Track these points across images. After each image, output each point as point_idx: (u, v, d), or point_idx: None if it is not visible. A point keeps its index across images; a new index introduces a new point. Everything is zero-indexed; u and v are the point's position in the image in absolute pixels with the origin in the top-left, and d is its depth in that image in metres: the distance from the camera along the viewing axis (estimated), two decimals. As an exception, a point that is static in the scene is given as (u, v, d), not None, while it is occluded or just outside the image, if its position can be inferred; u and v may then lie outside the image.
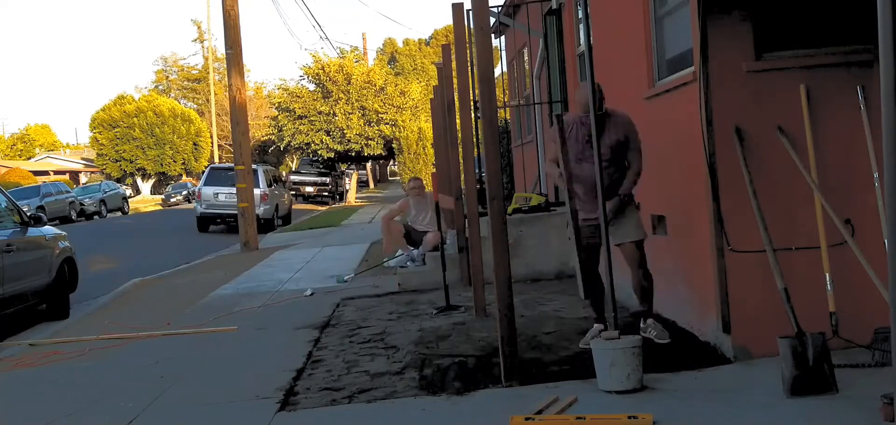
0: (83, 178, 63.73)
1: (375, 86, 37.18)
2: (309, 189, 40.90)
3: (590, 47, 5.68)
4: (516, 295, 5.95)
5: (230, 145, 39.80)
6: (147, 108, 57.67)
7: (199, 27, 64.09)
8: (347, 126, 36.35)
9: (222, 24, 17.88)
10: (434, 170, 11.33)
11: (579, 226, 5.89)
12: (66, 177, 58.84)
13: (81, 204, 39.42)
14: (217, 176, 24.65)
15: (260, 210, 22.49)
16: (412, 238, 11.93)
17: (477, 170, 10.60)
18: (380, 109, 36.70)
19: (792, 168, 5.31)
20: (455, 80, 8.55)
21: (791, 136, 5.34)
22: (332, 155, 37.83)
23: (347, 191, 40.57)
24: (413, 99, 37.91)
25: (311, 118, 36.91)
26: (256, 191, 21.63)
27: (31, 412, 5.86)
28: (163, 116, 57.48)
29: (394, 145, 37.16)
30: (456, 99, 8.58)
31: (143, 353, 7.53)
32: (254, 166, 21.49)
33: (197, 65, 67.71)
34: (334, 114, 36.59)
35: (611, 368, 4.94)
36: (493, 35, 10.89)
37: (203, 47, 64.01)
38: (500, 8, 14.49)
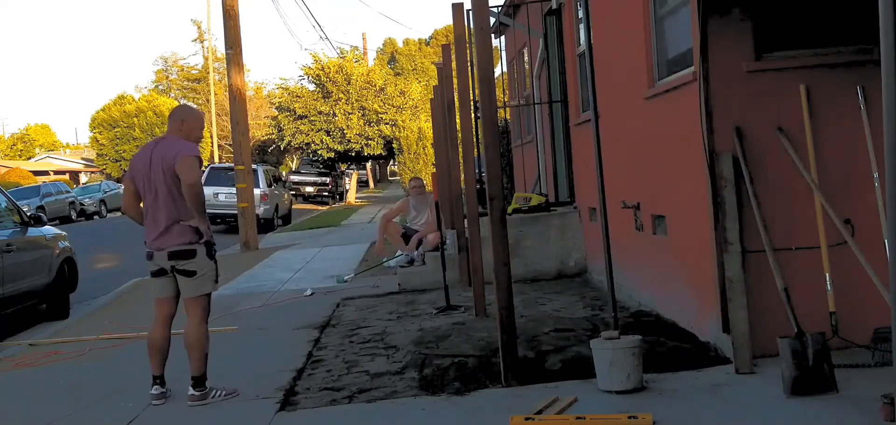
0: (83, 178, 63.74)
1: (375, 86, 37.16)
2: (309, 189, 40.90)
3: (590, 47, 5.69)
4: (516, 295, 5.95)
5: (230, 145, 39.81)
6: (147, 108, 57.68)
7: (199, 27, 64.06)
8: (347, 126, 36.34)
9: (222, 23, 17.87)
10: (434, 170, 11.32)
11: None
12: (66, 177, 58.88)
13: (81, 204, 39.42)
14: (217, 176, 24.64)
15: (260, 210, 22.48)
16: (410, 238, 11.91)
17: (477, 170, 10.60)
18: (380, 109, 36.69)
19: (792, 168, 5.31)
20: (455, 80, 8.56)
21: (791, 136, 5.34)
22: (332, 155, 37.82)
23: (347, 191, 40.57)
24: (413, 99, 37.90)
25: (312, 118, 36.89)
26: (256, 191, 21.63)
27: (31, 412, 5.86)
28: (163, 116, 57.41)
29: (394, 145, 37.16)
30: (456, 99, 8.58)
31: (143, 353, 7.50)
32: (254, 166, 21.48)
33: (197, 65, 67.69)
34: (334, 114, 36.58)
35: (611, 368, 4.94)
36: (493, 35, 10.89)
37: (203, 47, 63.99)
38: (500, 8, 14.48)
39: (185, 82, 68.74)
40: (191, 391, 5.63)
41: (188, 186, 5.47)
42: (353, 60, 40.95)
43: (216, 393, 5.68)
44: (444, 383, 5.50)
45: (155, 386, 5.75)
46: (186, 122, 5.81)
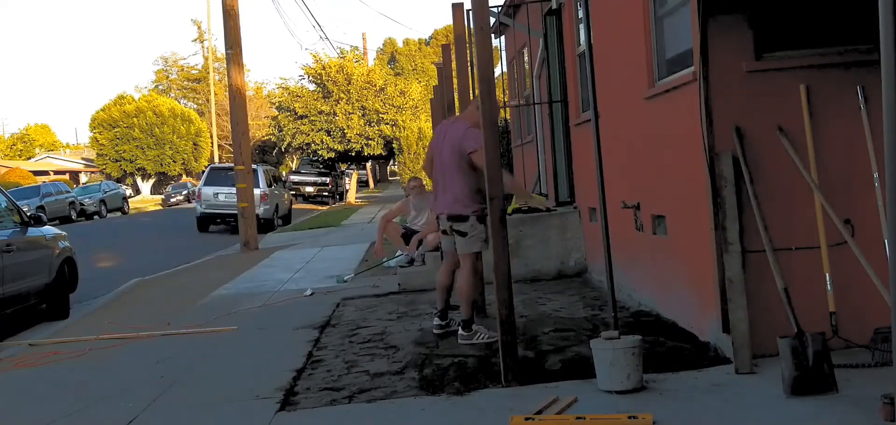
0: (83, 178, 63.74)
1: (375, 86, 37.17)
2: (309, 189, 40.91)
3: (590, 47, 5.68)
4: (516, 295, 5.95)
5: (230, 145, 39.83)
6: (147, 108, 57.70)
7: (199, 27, 64.17)
8: (348, 126, 36.35)
9: (222, 23, 17.88)
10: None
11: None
12: (66, 177, 58.86)
13: (81, 204, 39.43)
14: (217, 176, 24.65)
15: (260, 210, 22.48)
16: (410, 238, 11.90)
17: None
18: (380, 109, 36.70)
19: (792, 168, 5.31)
20: (455, 80, 8.56)
21: (791, 136, 5.34)
22: (332, 155, 37.83)
23: (347, 190, 40.56)
24: (413, 99, 37.89)
25: (312, 118, 36.90)
26: (256, 191, 21.63)
27: (31, 412, 5.86)
28: (163, 116, 57.51)
29: (394, 145, 37.16)
30: (456, 99, 8.58)
31: (143, 353, 7.53)
32: (254, 166, 21.49)
33: (197, 65, 67.77)
34: (334, 114, 36.58)
35: (611, 368, 4.94)
36: (493, 35, 10.89)
37: (203, 47, 64.07)
38: (500, 8, 14.48)
39: (185, 82, 68.79)
40: (460, 331, 6.65)
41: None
42: (354, 60, 40.94)
43: (480, 335, 6.51)
44: (444, 383, 5.50)
45: (436, 318, 7.00)
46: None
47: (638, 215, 7.44)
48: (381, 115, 36.69)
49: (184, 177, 58.32)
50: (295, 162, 51.65)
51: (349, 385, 5.70)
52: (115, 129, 57.29)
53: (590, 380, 5.15)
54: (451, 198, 6.61)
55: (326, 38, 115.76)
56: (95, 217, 39.77)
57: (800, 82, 5.34)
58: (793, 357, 4.63)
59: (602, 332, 5.37)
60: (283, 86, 41.14)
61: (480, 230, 6.51)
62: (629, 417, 4.40)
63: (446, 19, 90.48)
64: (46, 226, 11.23)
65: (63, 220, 33.63)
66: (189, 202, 43.93)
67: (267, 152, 49.59)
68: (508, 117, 18.22)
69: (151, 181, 60.64)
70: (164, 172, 58.62)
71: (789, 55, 5.41)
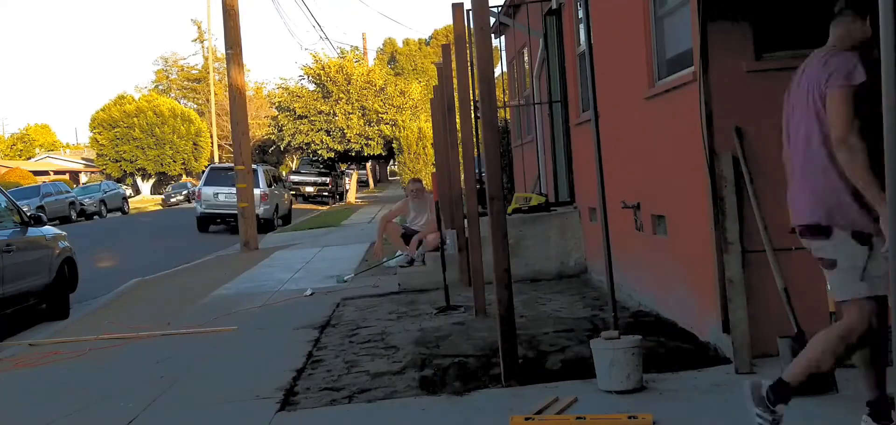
0: (83, 178, 63.75)
1: (375, 86, 37.18)
2: (309, 189, 40.92)
3: (590, 47, 5.68)
4: (516, 295, 5.95)
5: (230, 145, 39.83)
6: (147, 108, 57.73)
7: (199, 27, 64.18)
8: (347, 126, 36.36)
9: (222, 23, 17.88)
10: (434, 170, 11.32)
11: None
12: (66, 177, 58.87)
13: (81, 204, 39.43)
14: (217, 176, 24.67)
15: (260, 210, 22.49)
16: (410, 238, 11.91)
17: (477, 170, 10.59)
18: (380, 109, 36.71)
19: (792, 168, 5.30)
20: (455, 80, 8.55)
21: (791, 136, 5.33)
22: (332, 155, 37.84)
23: (347, 190, 40.57)
24: (413, 99, 37.90)
25: (312, 118, 36.91)
26: (256, 191, 21.64)
27: (31, 412, 5.86)
28: (163, 116, 57.54)
29: (394, 145, 37.16)
30: (456, 99, 8.58)
31: (143, 353, 7.53)
32: (254, 166, 21.49)
33: (197, 65, 67.79)
34: (334, 114, 36.60)
35: (611, 368, 4.94)
36: (493, 35, 10.89)
37: (203, 47, 64.08)
38: (500, 8, 14.49)
39: (185, 82, 68.81)
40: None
41: (834, 139, 3.55)
42: (354, 60, 40.96)
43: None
44: (444, 383, 5.50)
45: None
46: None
47: (638, 215, 7.44)
48: (380, 115, 36.68)
49: (184, 177, 58.34)
50: (295, 162, 51.65)
51: (349, 385, 5.70)
52: (115, 129, 57.32)
53: (590, 380, 5.15)
54: (807, 196, 3.73)
55: (326, 38, 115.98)
56: (95, 217, 39.77)
57: (800, 82, 5.33)
58: (793, 357, 4.63)
59: (602, 332, 5.37)
60: (282, 86, 41.16)
61: (858, 256, 3.60)
62: (629, 417, 4.40)
63: (446, 19, 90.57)
64: (46, 226, 11.23)
65: (63, 220, 33.63)
66: (189, 202, 43.93)
67: (267, 152, 49.55)
68: (508, 117, 18.23)
69: (151, 181, 60.66)
70: (164, 172, 58.64)
71: (790, 55, 5.40)
